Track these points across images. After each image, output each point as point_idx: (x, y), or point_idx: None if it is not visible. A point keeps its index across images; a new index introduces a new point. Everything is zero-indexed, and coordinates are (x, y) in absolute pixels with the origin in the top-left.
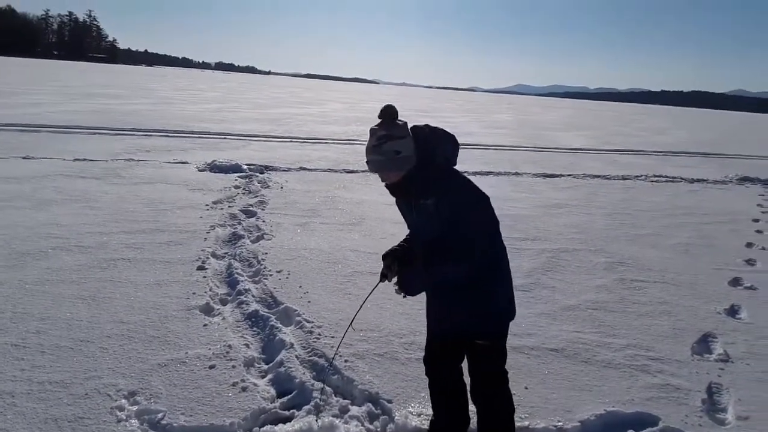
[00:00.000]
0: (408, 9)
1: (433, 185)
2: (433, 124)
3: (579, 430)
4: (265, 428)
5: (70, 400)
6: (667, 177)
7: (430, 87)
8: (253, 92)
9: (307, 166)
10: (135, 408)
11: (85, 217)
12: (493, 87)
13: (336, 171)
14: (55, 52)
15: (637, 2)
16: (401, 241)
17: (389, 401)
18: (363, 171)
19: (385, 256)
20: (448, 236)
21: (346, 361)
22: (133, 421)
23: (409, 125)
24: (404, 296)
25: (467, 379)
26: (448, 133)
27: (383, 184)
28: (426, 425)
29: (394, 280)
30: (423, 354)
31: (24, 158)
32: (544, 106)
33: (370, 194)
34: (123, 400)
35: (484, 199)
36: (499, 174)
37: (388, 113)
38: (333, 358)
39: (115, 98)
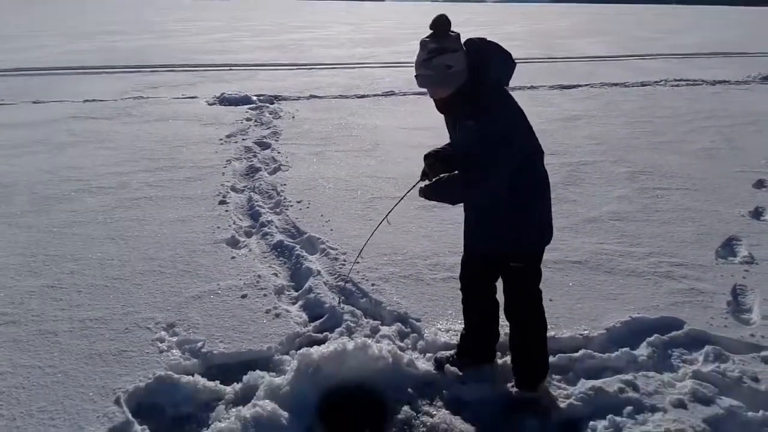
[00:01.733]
0: None
1: (478, 106)
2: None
3: (605, 337)
4: (301, 351)
5: (111, 335)
6: (687, 80)
7: (436, 0)
8: (254, 18)
9: (317, 93)
10: (175, 339)
11: (101, 158)
12: None
13: (347, 97)
14: None
15: None
16: (445, 144)
17: (417, 320)
18: (374, 95)
19: (427, 156)
20: (476, 158)
21: (373, 284)
22: (174, 351)
23: (463, 38)
24: (423, 196)
25: (500, 296)
26: (503, 48)
27: (431, 98)
28: (455, 340)
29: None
30: (447, 274)
31: (34, 103)
32: (559, 13)
33: (384, 119)
34: (162, 332)
35: (518, 132)
36: (513, 89)
37: (440, 24)
38: (355, 261)
39: (117, 34)
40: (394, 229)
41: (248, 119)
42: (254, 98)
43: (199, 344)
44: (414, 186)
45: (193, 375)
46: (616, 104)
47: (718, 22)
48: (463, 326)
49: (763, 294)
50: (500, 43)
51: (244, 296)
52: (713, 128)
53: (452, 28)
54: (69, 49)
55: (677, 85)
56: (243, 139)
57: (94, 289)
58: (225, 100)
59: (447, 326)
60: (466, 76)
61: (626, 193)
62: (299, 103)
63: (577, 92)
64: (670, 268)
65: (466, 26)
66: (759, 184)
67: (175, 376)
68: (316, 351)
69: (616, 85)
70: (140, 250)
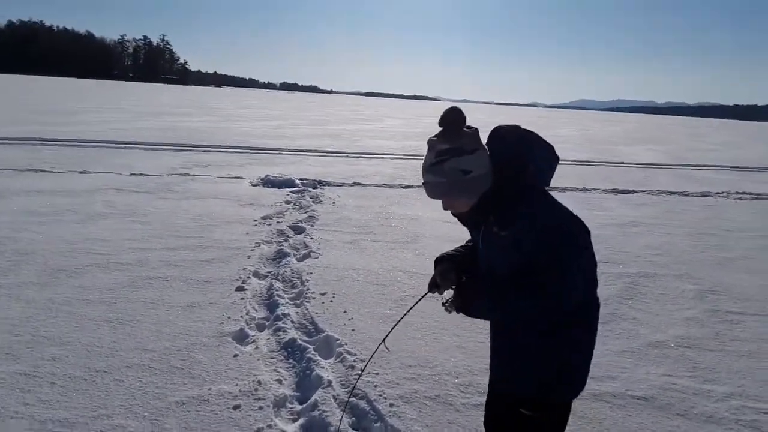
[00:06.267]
0: (469, 24)
1: (513, 211)
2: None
3: None
4: None
5: None
6: (751, 194)
7: (489, 103)
8: (314, 110)
9: (361, 181)
10: None
11: (129, 232)
12: (555, 102)
13: (391, 186)
14: (131, 75)
15: (700, 16)
16: (460, 246)
17: None
18: (419, 186)
19: (438, 261)
20: (532, 273)
21: (391, 405)
22: None
23: (486, 131)
24: (453, 311)
25: None
26: (543, 139)
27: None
28: None
29: (447, 294)
30: (482, 399)
31: (80, 173)
32: (610, 120)
33: (427, 210)
34: None
35: (584, 233)
36: (565, 190)
37: (452, 119)
38: (355, 384)
39: (181, 116)
40: (422, 336)
41: (288, 202)
42: (298, 181)
43: None
44: (419, 300)
45: None
46: (676, 213)
47: None
48: None
49: None
50: (538, 133)
51: (236, 407)
52: None
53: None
54: (130, 126)
55: (741, 198)
56: (278, 222)
57: (70, 381)
58: (268, 182)
59: None
60: (491, 182)
61: (695, 315)
62: (342, 189)
63: (633, 197)
64: (756, 416)
65: None
66: None
67: None
68: None
69: (674, 193)
70: (136, 338)
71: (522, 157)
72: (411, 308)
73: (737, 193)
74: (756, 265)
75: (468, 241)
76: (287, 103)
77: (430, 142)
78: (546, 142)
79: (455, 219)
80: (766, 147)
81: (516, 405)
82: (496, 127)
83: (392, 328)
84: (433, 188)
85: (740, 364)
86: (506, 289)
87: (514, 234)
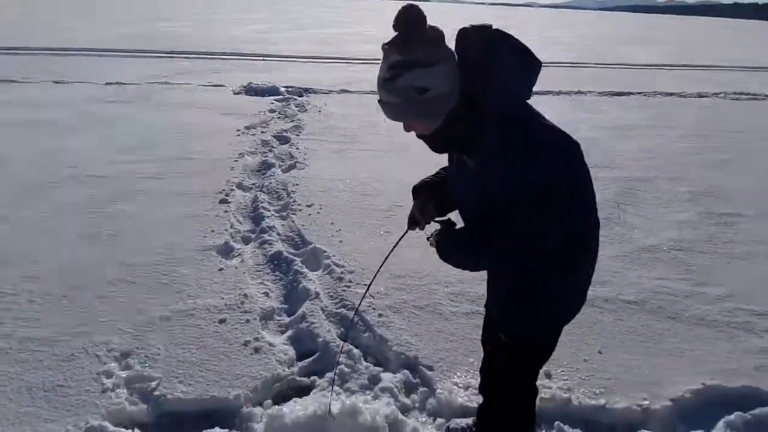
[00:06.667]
0: None
1: (483, 137)
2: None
3: (670, 412)
4: (272, 410)
5: (51, 362)
6: (749, 94)
7: (483, 3)
8: (300, 12)
9: (349, 88)
10: (125, 374)
11: (106, 144)
12: (551, 2)
13: None
14: None
15: None
16: (441, 169)
17: (430, 368)
18: None
19: (416, 190)
20: (495, 218)
21: (380, 315)
22: (120, 390)
23: (453, 33)
24: (434, 248)
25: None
26: (518, 43)
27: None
28: (475, 401)
29: (429, 230)
30: (472, 308)
31: (55, 82)
32: (606, 20)
33: None
34: (113, 363)
35: (569, 160)
36: (559, 93)
37: (407, 20)
38: (355, 314)
39: (160, 21)
40: (412, 244)
41: (272, 111)
42: (282, 89)
43: (153, 384)
44: (400, 239)
45: (133, 430)
46: (672, 115)
47: None
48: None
49: None
50: (513, 35)
51: (222, 321)
52: None
53: (434, 25)
54: (106, 32)
55: (738, 99)
56: (262, 132)
57: (49, 299)
58: (251, 90)
59: (466, 380)
60: (456, 98)
61: (689, 218)
62: (328, 97)
63: (628, 100)
64: (749, 318)
65: (511, 30)
66: None
67: (111, 428)
68: (290, 413)
69: (671, 94)
70: (116, 254)
71: (494, 63)
72: (393, 248)
73: (735, 93)
74: (751, 165)
75: (443, 168)
76: (273, 5)
77: (383, 49)
78: (521, 45)
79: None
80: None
81: (494, 324)
82: (461, 29)
83: (379, 269)
84: (387, 109)
85: (733, 266)
86: (478, 246)
87: (479, 164)
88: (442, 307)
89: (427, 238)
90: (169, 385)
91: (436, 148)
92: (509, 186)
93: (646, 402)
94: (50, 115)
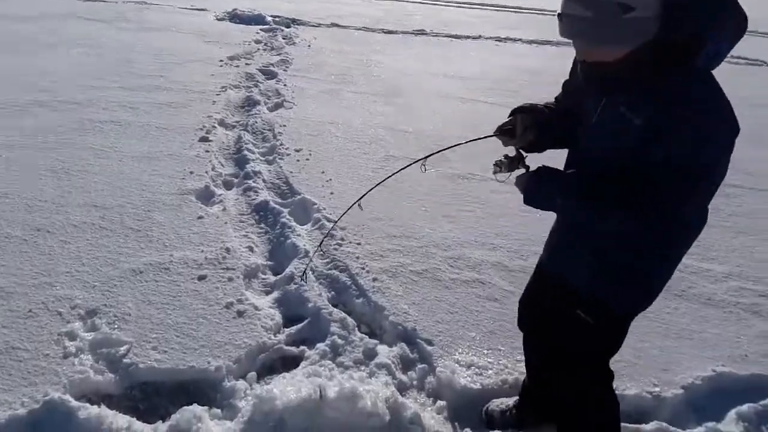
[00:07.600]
0: None
1: (666, 98)
2: None
3: (682, 400)
4: (261, 392)
5: (6, 320)
6: (747, 59)
7: None
8: None
9: (339, 22)
10: (90, 336)
11: (78, 67)
12: None
13: (373, 30)
14: None
15: None
16: (544, 104)
17: (429, 342)
18: (403, 32)
19: (518, 110)
20: (634, 172)
21: (374, 279)
22: (85, 356)
23: None
24: (503, 180)
25: None
26: (741, 8)
27: (578, 59)
28: (479, 384)
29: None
30: (472, 275)
31: None
32: None
33: (411, 61)
34: (77, 323)
35: (732, 142)
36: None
37: None
38: (319, 246)
39: None
40: (410, 203)
41: (257, 41)
42: (269, 18)
43: (122, 350)
44: (427, 157)
45: (99, 405)
46: None
47: None
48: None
49: None
50: None
51: (201, 277)
52: None
53: None
54: None
55: (737, 64)
56: (247, 64)
57: (7, 242)
58: (236, 17)
59: (468, 358)
60: (654, 33)
61: None
62: (318, 30)
63: None
64: (757, 299)
65: None
66: None
67: (73, 403)
68: (281, 395)
69: None
70: (84, 192)
71: (707, 13)
72: (425, 158)
73: (732, 56)
74: (753, 136)
75: (549, 103)
76: None
77: None
78: (742, 10)
79: (443, 73)
80: None
81: (569, 300)
82: None
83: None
84: (572, 24)
85: (737, 242)
86: (590, 194)
87: (644, 121)
88: (441, 273)
89: (496, 163)
90: (140, 351)
91: (600, 84)
92: (678, 150)
93: (657, 389)
94: (20, 33)
